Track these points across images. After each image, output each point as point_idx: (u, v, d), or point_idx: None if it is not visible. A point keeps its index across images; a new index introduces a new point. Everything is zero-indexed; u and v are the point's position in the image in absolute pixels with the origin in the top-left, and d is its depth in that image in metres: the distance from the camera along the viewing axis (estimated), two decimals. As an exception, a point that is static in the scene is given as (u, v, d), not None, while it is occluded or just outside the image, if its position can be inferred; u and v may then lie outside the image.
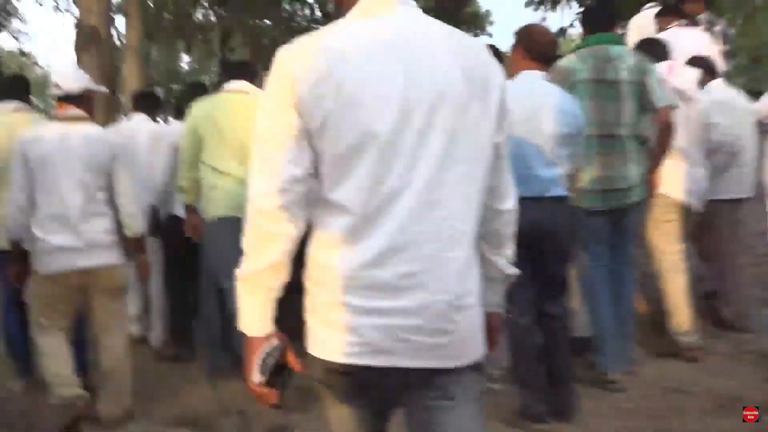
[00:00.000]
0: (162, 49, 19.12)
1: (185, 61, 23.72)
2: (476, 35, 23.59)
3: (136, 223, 2.86)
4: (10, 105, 3.31)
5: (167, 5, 15.80)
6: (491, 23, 22.82)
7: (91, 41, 5.36)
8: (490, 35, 25.84)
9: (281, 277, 1.16)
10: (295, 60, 1.10)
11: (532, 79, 2.58)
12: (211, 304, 3.38)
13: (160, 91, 17.82)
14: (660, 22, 4.38)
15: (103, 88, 3.03)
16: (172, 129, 3.92)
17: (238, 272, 1.16)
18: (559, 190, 2.57)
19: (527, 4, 14.53)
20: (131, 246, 2.88)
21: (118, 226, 2.82)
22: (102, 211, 2.75)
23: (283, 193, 1.09)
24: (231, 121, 3.12)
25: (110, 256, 2.77)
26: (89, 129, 2.78)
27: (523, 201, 2.33)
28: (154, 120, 4.20)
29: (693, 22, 4.32)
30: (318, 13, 16.17)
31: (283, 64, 1.12)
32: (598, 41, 3.03)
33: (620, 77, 2.94)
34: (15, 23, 18.82)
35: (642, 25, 4.63)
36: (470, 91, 1.11)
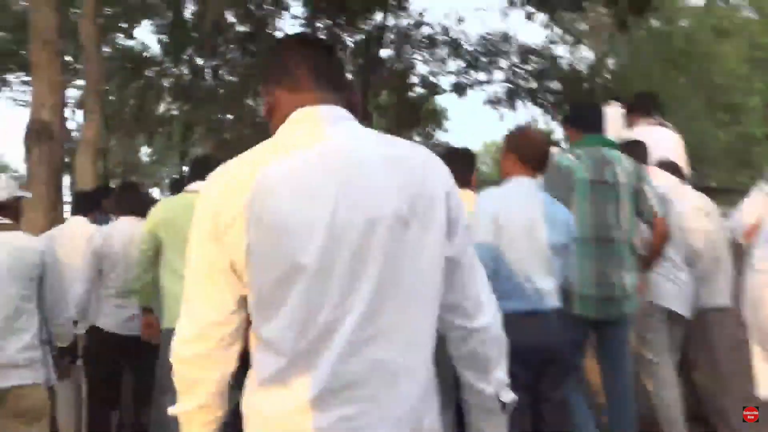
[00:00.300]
0: (121, 141, 18.99)
1: (144, 153, 23.61)
2: (433, 131, 24.40)
3: (66, 333, 2.79)
4: None
5: (128, 99, 15.83)
6: (447, 119, 23.67)
7: (42, 136, 5.13)
8: (446, 131, 26.89)
9: (216, 411, 1.15)
10: (217, 191, 1.06)
11: (525, 187, 2.46)
12: (165, 418, 2.99)
13: (115, 184, 17.48)
14: (629, 119, 4.43)
15: (28, 194, 2.82)
16: (98, 232, 3.63)
17: (173, 408, 1.16)
18: (557, 302, 2.39)
19: (485, 103, 15.15)
20: (59, 357, 2.74)
21: (45, 337, 2.64)
22: (25, 326, 2.56)
23: (202, 340, 1.07)
24: (187, 222, 2.90)
25: (27, 376, 2.54)
26: (16, 237, 2.62)
27: (520, 315, 2.20)
28: (97, 221, 3.93)
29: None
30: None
31: (205, 197, 1.08)
32: (593, 142, 2.96)
33: (618, 180, 2.86)
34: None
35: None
36: (410, 209, 1.04)
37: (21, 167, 27.41)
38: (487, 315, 1.18)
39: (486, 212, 2.32)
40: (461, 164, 2.89)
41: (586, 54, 16.91)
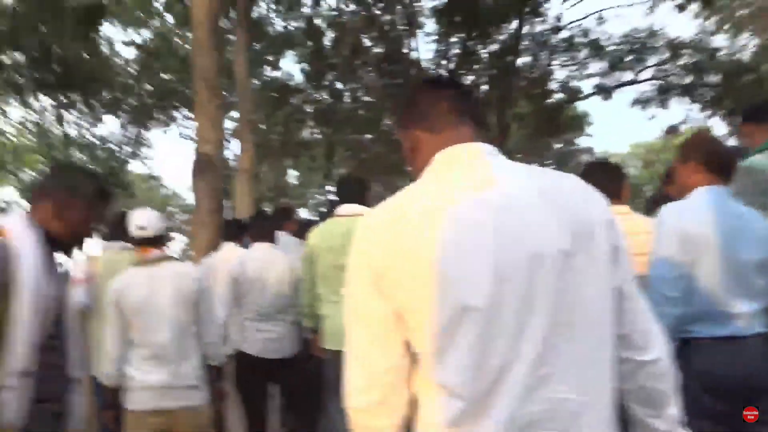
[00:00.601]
0: (271, 166, 20.33)
1: (292, 176, 25.09)
2: (575, 137, 23.29)
3: (216, 353, 2.91)
4: (117, 244, 3.59)
5: (276, 127, 16.93)
6: (590, 124, 22.49)
7: (206, 169, 5.58)
8: (590, 135, 25.62)
9: None
10: (374, 238, 1.05)
11: (716, 196, 2.15)
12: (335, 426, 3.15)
13: (268, 207, 18.74)
14: None
15: (168, 225, 3.07)
16: (237, 258, 3.79)
17: None
18: (760, 326, 2.07)
19: (633, 103, 14.19)
20: (212, 376, 2.91)
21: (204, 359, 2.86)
22: (193, 347, 2.81)
23: (375, 388, 1.06)
24: (342, 247, 3.05)
25: (198, 397, 2.79)
26: (175, 267, 2.85)
27: (714, 341, 1.93)
28: (246, 246, 4.16)
29: None
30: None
31: (362, 243, 1.07)
32: None
33: None
34: (144, 151, 20.95)
35: None
36: (573, 242, 1.02)
37: (185, 194, 30.37)
38: (657, 346, 1.14)
39: (672, 227, 2.06)
40: (608, 177, 2.66)
41: (749, 42, 15.23)
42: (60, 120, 17.87)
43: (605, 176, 2.63)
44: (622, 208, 2.59)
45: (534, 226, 1.01)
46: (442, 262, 0.98)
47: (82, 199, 1.84)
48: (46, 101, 17.03)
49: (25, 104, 16.95)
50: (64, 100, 16.63)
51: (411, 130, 1.23)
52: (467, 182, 1.06)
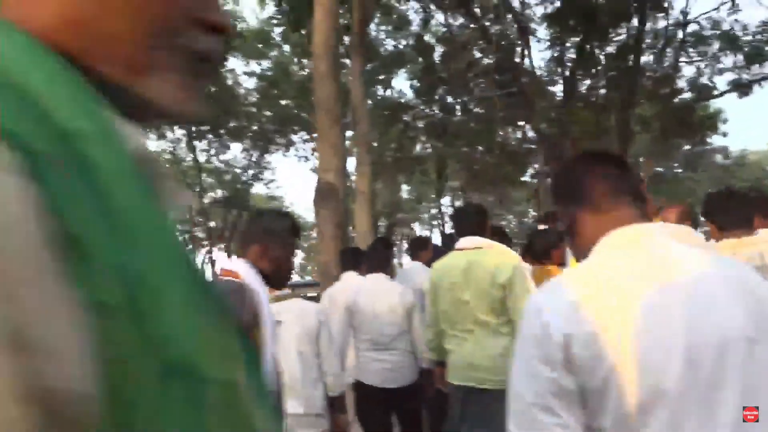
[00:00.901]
0: (385, 183, 20.65)
1: (405, 191, 25.32)
2: (708, 137, 21.48)
3: (335, 383, 2.93)
4: None
5: (389, 144, 17.19)
6: (725, 122, 20.64)
7: (328, 197, 5.69)
8: (725, 135, 23.52)
9: None
10: (559, 314, 1.02)
11: None
12: None
13: (383, 222, 19.03)
14: None
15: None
16: (351, 288, 3.76)
17: None
18: None
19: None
20: (333, 407, 2.92)
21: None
22: (318, 378, 2.88)
23: None
24: (463, 282, 2.97)
25: (324, 424, 2.85)
26: (299, 304, 2.98)
27: None
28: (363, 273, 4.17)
29: None
30: (531, 134, 16.16)
31: (548, 317, 1.03)
32: None
33: None
34: (266, 173, 22.14)
35: None
36: (757, 329, 1.00)
37: (304, 213, 31.63)
38: None
39: None
40: (734, 206, 2.39)
41: None
42: (192, 149, 19.33)
43: (733, 205, 2.39)
44: (754, 239, 2.30)
45: (721, 311, 1.00)
46: (637, 345, 0.97)
47: (281, 238, 2.03)
48: (179, 132, 18.50)
49: (161, 136, 18.53)
50: (195, 131, 17.96)
51: (570, 208, 1.21)
52: (651, 265, 1.05)
